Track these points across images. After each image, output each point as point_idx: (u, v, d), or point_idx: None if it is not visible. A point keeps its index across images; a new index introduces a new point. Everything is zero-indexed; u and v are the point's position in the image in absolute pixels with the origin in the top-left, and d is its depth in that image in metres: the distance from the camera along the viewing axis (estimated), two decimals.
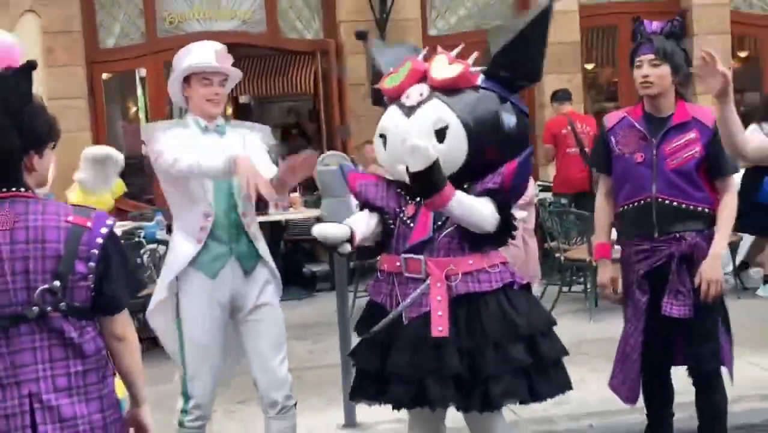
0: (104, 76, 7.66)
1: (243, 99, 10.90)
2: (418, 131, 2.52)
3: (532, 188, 5.86)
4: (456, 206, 2.43)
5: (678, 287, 2.91)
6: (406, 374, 2.55)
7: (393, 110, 2.64)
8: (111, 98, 8.29)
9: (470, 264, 2.52)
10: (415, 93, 2.62)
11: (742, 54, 8.86)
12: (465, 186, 2.52)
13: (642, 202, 2.94)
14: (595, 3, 7.67)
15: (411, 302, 2.53)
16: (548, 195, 6.63)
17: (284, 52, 8.63)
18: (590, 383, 3.67)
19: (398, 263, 2.61)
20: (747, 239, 6.00)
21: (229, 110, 9.56)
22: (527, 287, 2.66)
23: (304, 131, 10.34)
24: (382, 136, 2.61)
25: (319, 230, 2.44)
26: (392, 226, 2.60)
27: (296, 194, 6.51)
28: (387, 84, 2.69)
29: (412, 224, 2.68)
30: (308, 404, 3.48)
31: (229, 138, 2.95)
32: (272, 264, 2.99)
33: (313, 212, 6.24)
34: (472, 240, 2.50)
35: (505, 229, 2.53)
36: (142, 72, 8.38)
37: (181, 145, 2.84)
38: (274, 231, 6.32)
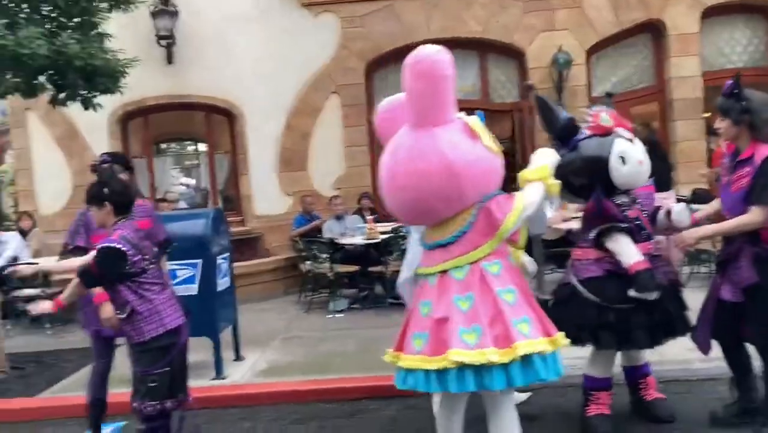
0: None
1: None
2: (643, 154, 3.62)
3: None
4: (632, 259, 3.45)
5: (732, 276, 3.44)
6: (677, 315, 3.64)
7: (619, 140, 3.57)
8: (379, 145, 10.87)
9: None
10: (627, 132, 3.64)
11: None
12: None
13: (720, 216, 3.56)
14: (712, 70, 9.36)
15: (668, 270, 3.69)
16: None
17: (492, 111, 10.18)
18: None
19: (650, 246, 3.56)
20: None
21: None
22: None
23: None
24: (621, 157, 3.51)
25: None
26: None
27: None
28: (603, 123, 3.59)
29: (638, 222, 3.56)
30: None
31: None
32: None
33: None
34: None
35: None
36: None
37: None
38: None
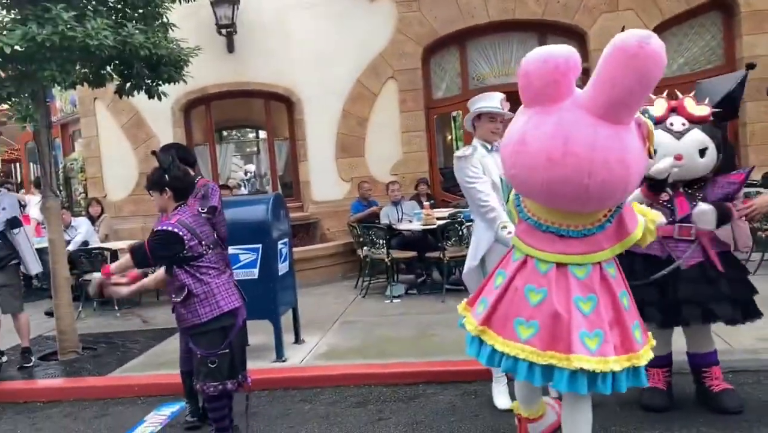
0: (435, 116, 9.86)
1: None
2: (688, 150, 3.44)
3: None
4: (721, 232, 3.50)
5: None
6: (695, 300, 3.47)
7: (661, 133, 3.43)
8: (438, 131, 10.58)
9: (716, 232, 3.54)
10: (678, 123, 3.50)
11: None
12: (700, 185, 3.53)
13: None
14: None
15: (689, 254, 3.51)
16: None
17: None
18: None
19: (673, 230, 3.54)
20: None
21: None
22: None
23: None
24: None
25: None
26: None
27: None
28: (656, 111, 3.52)
29: (670, 206, 3.57)
30: None
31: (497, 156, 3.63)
32: None
33: None
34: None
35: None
36: (453, 113, 10.85)
37: (480, 168, 3.66)
38: None
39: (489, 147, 3.82)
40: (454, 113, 11.00)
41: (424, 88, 9.69)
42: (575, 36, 9.36)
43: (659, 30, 9.16)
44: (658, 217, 3.05)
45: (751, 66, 3.90)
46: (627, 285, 2.97)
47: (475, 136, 3.87)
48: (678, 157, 3.43)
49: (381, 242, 7.67)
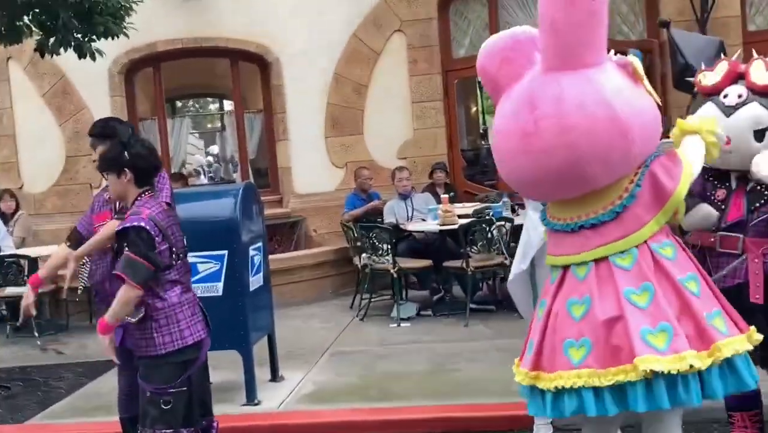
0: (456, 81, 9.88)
1: None
2: (738, 131, 3.35)
3: None
4: None
5: None
6: None
7: (710, 107, 3.42)
8: (459, 101, 10.68)
9: None
10: (733, 94, 3.43)
11: None
12: None
13: None
14: None
15: (727, 273, 3.45)
16: None
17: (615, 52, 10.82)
18: None
19: (712, 239, 3.51)
20: None
21: None
22: None
23: None
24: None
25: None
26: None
27: None
28: (703, 81, 3.53)
29: (723, 207, 3.51)
30: None
31: None
32: None
33: None
34: None
35: None
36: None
37: None
38: None
39: None
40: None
41: (442, 44, 9.71)
42: None
43: None
44: (711, 125, 3.16)
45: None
46: (697, 266, 3.08)
47: None
48: (726, 141, 3.40)
49: (385, 247, 7.63)
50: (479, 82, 11.68)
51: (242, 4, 9.64)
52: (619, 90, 2.91)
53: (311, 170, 9.81)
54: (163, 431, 3.60)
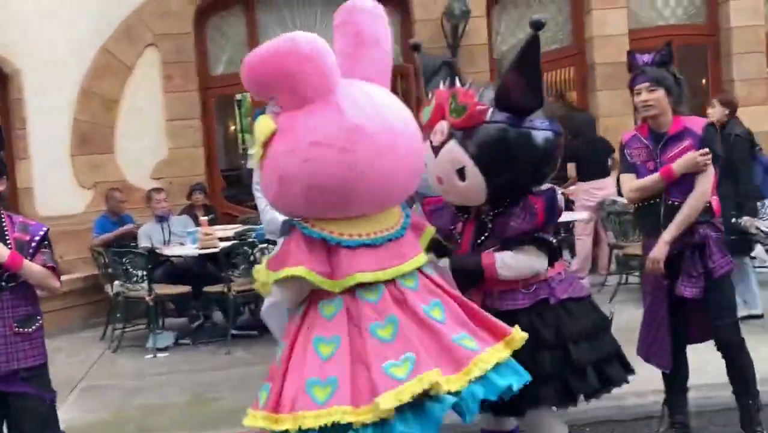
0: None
1: None
2: (444, 172, 3.31)
3: (609, 190, 8.11)
4: (504, 272, 3.26)
5: (691, 271, 3.96)
6: None
7: (427, 146, 3.34)
8: (218, 119, 10.47)
9: (506, 284, 3.33)
10: (438, 132, 3.32)
11: None
12: (498, 210, 3.33)
13: (652, 202, 4.03)
14: (642, 27, 10.06)
15: None
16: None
17: None
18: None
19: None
20: None
21: None
22: (576, 298, 3.40)
23: None
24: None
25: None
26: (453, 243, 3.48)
27: None
28: (423, 118, 3.39)
29: (459, 240, 3.49)
30: None
31: None
32: None
33: None
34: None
35: (551, 257, 3.35)
36: (238, 95, 11.10)
37: None
38: None
39: None
40: (239, 95, 11.28)
41: (198, 60, 9.73)
42: (396, 3, 9.75)
43: None
44: None
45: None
46: (446, 292, 3.13)
47: None
48: (439, 180, 3.41)
49: (140, 273, 7.50)
50: (238, 101, 11.84)
51: None
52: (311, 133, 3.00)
53: (56, 192, 9.34)
54: None
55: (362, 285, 2.95)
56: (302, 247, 2.96)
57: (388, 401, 2.74)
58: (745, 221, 6.21)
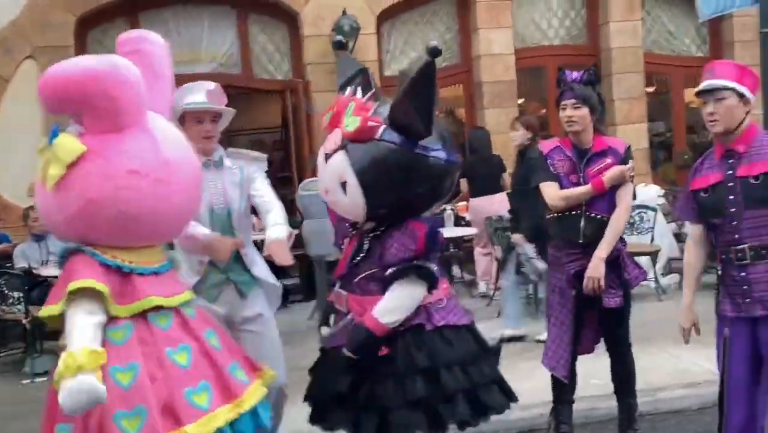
0: None
1: None
2: (330, 183, 3.22)
3: (499, 206, 7.94)
4: (390, 318, 3.15)
5: (610, 283, 4.11)
6: (320, 399, 3.41)
7: (321, 153, 3.28)
8: None
9: None
10: (331, 140, 3.22)
11: (652, 89, 11.57)
12: (378, 231, 3.23)
13: (572, 213, 4.17)
14: (527, 47, 10.43)
15: (335, 332, 3.33)
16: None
17: (257, 91, 10.87)
18: (540, 374, 4.59)
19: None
20: (664, 251, 8.65)
21: None
22: (453, 326, 3.28)
23: (270, 160, 12.94)
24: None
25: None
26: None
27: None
28: (324, 122, 3.30)
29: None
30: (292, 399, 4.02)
31: (226, 173, 3.79)
32: (270, 279, 3.90)
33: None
34: (388, 285, 3.17)
35: (430, 284, 3.22)
36: None
37: None
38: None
39: (205, 161, 3.69)
40: None
41: None
42: (285, 17, 9.82)
43: (388, 15, 10.10)
44: None
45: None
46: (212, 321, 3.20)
47: None
48: (325, 191, 3.34)
49: (16, 295, 7.30)
50: None
51: None
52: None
53: None
54: None
55: (155, 310, 2.91)
56: (95, 268, 2.84)
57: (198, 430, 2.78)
58: (516, 238, 6.47)
